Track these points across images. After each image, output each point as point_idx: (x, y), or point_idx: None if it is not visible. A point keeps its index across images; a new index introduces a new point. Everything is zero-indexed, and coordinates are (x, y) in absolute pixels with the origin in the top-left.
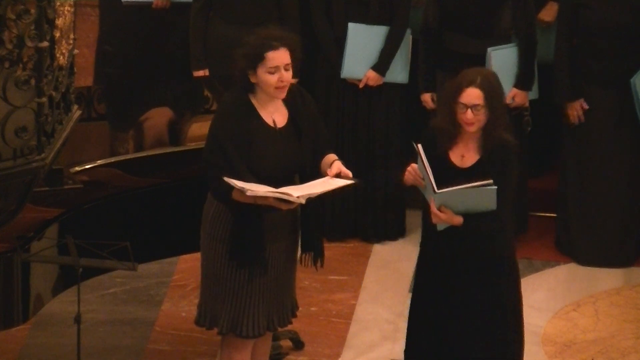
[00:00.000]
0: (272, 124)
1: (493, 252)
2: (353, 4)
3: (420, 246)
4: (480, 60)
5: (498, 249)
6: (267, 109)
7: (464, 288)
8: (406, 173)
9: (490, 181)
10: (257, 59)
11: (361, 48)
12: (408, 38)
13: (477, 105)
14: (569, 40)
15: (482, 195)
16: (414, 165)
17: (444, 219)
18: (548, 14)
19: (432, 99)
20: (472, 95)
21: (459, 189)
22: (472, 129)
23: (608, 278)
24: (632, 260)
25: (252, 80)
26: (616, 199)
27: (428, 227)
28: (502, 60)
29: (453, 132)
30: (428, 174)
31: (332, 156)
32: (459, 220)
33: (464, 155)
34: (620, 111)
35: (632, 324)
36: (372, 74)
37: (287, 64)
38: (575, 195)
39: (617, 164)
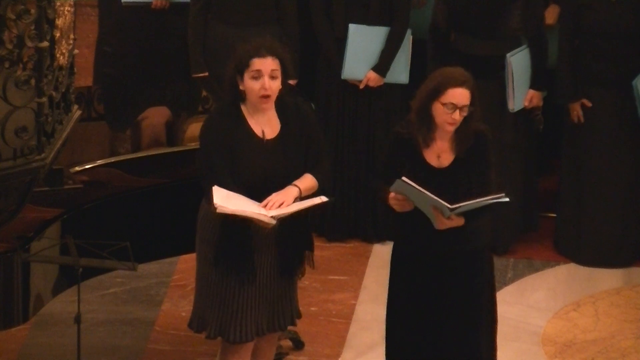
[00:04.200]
0: (260, 135)
1: (472, 247)
2: (353, 5)
3: (394, 249)
4: (488, 61)
5: (477, 243)
6: (257, 120)
7: (445, 286)
8: (393, 204)
9: (503, 194)
10: (243, 65)
11: (362, 49)
12: (408, 39)
13: (466, 106)
14: (571, 41)
15: (491, 203)
16: (393, 196)
17: (450, 225)
18: (550, 16)
19: None
20: (464, 96)
21: (474, 202)
22: (452, 128)
23: (608, 278)
24: (632, 260)
25: (241, 87)
26: (616, 199)
27: (403, 229)
28: (521, 63)
29: (428, 133)
30: (431, 197)
31: (301, 178)
32: (462, 222)
33: (440, 155)
34: (621, 112)
35: (632, 324)
36: (372, 75)
37: (273, 70)
38: (575, 195)
39: (617, 164)
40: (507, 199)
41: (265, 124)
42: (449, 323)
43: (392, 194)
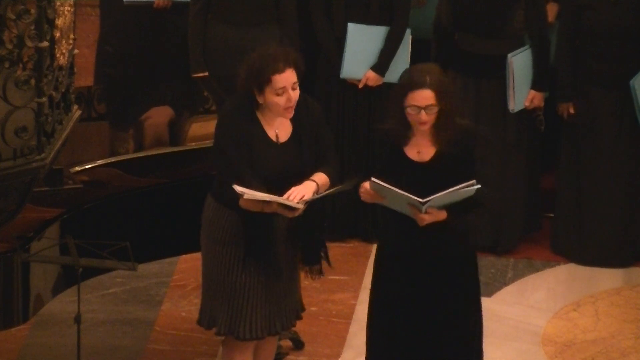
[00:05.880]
0: (274, 139)
1: (459, 250)
2: (353, 5)
3: (378, 252)
4: (492, 60)
5: (463, 246)
6: (271, 124)
7: (430, 290)
8: (362, 195)
9: (474, 181)
10: (264, 82)
11: (361, 48)
12: (408, 38)
13: (430, 105)
14: (570, 40)
15: (466, 192)
16: (365, 186)
17: (430, 219)
18: (549, 14)
19: None
20: (424, 96)
21: (445, 193)
22: (426, 127)
23: (608, 278)
24: (632, 260)
25: (259, 100)
26: (616, 199)
27: (389, 230)
28: (523, 64)
29: (406, 132)
30: (403, 194)
31: (316, 175)
32: (443, 215)
33: (420, 150)
34: (621, 112)
35: (632, 324)
36: (371, 74)
37: (294, 83)
38: (574, 195)
39: (617, 164)
40: (478, 186)
41: (279, 127)
42: (436, 326)
43: (363, 187)
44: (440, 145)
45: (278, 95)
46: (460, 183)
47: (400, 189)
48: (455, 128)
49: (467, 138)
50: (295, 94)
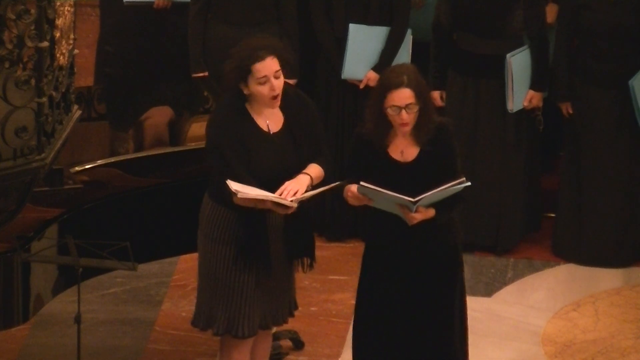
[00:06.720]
0: (265, 129)
1: (446, 242)
2: (353, 5)
3: (365, 252)
4: (491, 60)
5: (450, 238)
6: (261, 115)
7: (417, 286)
8: (349, 199)
9: (463, 179)
10: (245, 72)
11: (362, 49)
12: (409, 39)
13: (410, 104)
14: (569, 40)
15: (455, 189)
16: (351, 189)
17: (420, 218)
18: (548, 15)
19: (441, 97)
20: (404, 96)
21: (436, 191)
22: (407, 128)
23: (608, 278)
24: (632, 260)
25: (245, 92)
26: (616, 199)
27: (374, 228)
28: (521, 64)
29: (386, 134)
30: (393, 195)
31: (309, 167)
32: (432, 213)
33: (403, 150)
34: (620, 112)
35: (632, 324)
36: (372, 75)
37: (277, 71)
38: (575, 195)
39: (616, 164)
40: (468, 183)
41: (269, 118)
42: (422, 325)
43: (349, 191)
44: (422, 144)
45: (261, 84)
46: (445, 179)
47: (387, 190)
48: (433, 126)
49: (444, 133)
50: (278, 83)
